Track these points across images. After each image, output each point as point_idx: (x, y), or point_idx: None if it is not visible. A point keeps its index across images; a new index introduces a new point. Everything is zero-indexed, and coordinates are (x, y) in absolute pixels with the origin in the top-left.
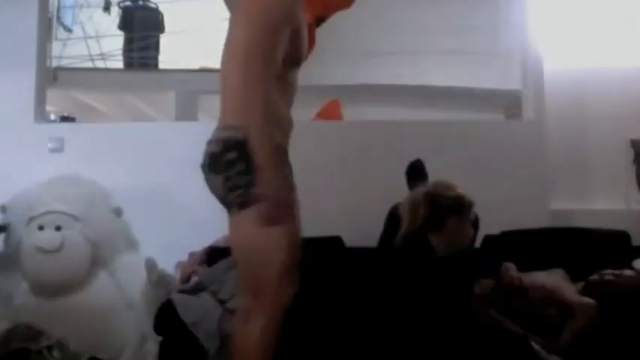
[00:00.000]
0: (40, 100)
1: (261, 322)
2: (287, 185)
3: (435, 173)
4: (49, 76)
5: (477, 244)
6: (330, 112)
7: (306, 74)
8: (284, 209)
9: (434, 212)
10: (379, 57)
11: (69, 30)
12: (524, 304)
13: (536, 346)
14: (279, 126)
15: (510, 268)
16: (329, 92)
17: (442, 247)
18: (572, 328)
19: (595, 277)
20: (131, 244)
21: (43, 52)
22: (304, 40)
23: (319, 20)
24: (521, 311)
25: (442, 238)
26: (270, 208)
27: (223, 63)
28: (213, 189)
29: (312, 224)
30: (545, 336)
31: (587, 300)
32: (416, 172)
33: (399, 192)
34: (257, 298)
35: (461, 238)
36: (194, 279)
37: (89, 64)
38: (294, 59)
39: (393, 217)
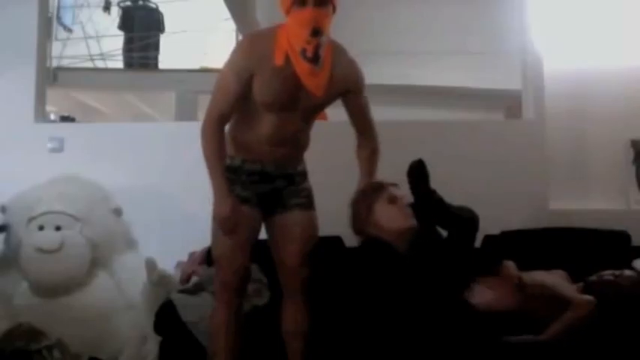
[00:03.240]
0: (40, 100)
1: (217, 306)
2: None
3: (435, 173)
4: (49, 76)
5: (477, 243)
6: None
7: None
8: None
9: (358, 210)
10: (380, 57)
11: (69, 30)
12: (525, 303)
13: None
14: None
15: (510, 266)
16: None
17: (388, 237)
18: (564, 320)
19: (595, 277)
20: (131, 244)
21: (43, 52)
22: (270, 86)
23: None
24: (520, 310)
25: (378, 229)
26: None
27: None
28: None
29: None
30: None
31: (586, 296)
32: (417, 172)
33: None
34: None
35: (393, 221)
36: (194, 279)
37: (89, 64)
38: (265, 102)
39: None
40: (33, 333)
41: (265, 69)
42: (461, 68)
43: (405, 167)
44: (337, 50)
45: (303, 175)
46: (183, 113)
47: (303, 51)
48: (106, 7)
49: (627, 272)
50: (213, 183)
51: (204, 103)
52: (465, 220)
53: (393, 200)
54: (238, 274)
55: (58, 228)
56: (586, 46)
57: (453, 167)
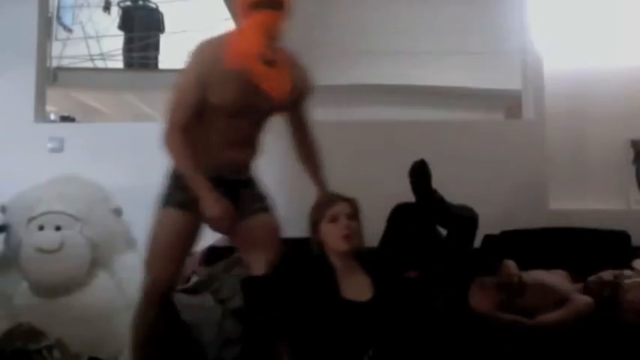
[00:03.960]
0: (40, 100)
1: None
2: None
3: (435, 173)
4: (49, 76)
5: (477, 243)
6: None
7: None
8: None
9: (309, 224)
10: (380, 57)
11: (69, 30)
12: (524, 302)
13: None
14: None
15: (510, 265)
16: (329, 92)
17: (331, 255)
18: (558, 314)
19: (595, 277)
20: (131, 244)
21: (43, 52)
22: (224, 90)
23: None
24: (520, 309)
25: (324, 246)
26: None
27: None
28: None
29: None
30: None
31: (585, 297)
32: (419, 172)
33: (400, 192)
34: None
35: (331, 241)
36: (194, 279)
37: (89, 64)
38: (220, 106)
39: (394, 218)
40: (33, 333)
41: (218, 74)
42: (461, 68)
43: (405, 167)
44: (290, 54)
45: (256, 180)
46: None
47: (261, 54)
48: (106, 7)
49: (627, 272)
50: (198, 188)
51: None
52: (464, 219)
53: (334, 219)
54: (168, 280)
55: (58, 228)
56: (586, 46)
57: (453, 167)
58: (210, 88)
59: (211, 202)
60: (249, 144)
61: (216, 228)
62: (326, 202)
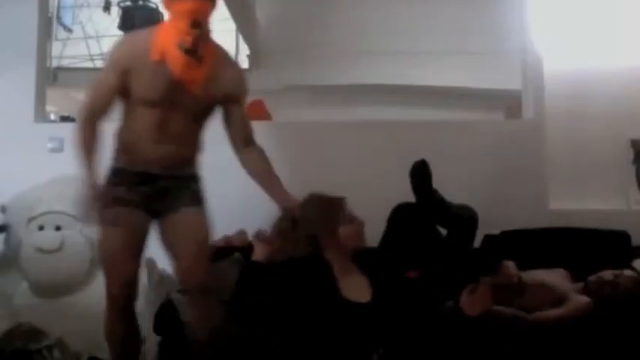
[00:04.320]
0: (40, 100)
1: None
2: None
3: (435, 173)
4: (49, 76)
5: (477, 243)
6: (254, 113)
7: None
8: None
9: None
10: (380, 57)
11: (69, 30)
12: (524, 302)
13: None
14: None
15: (510, 266)
16: (329, 92)
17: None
18: (557, 311)
19: (595, 277)
20: None
21: (43, 52)
22: (147, 82)
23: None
24: (520, 309)
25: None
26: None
27: None
28: None
29: None
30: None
31: (584, 297)
32: (420, 172)
33: (400, 192)
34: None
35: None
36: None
37: (89, 64)
38: (143, 98)
39: (395, 218)
40: (33, 333)
41: (142, 65)
42: (461, 68)
43: (406, 167)
44: (223, 54)
45: (194, 178)
46: None
47: (182, 42)
48: (106, 7)
49: (627, 272)
50: (81, 170)
51: None
52: (464, 219)
53: (351, 220)
54: (126, 281)
55: (58, 228)
56: (586, 46)
57: (453, 167)
58: (133, 79)
59: (87, 183)
60: (179, 139)
61: (91, 207)
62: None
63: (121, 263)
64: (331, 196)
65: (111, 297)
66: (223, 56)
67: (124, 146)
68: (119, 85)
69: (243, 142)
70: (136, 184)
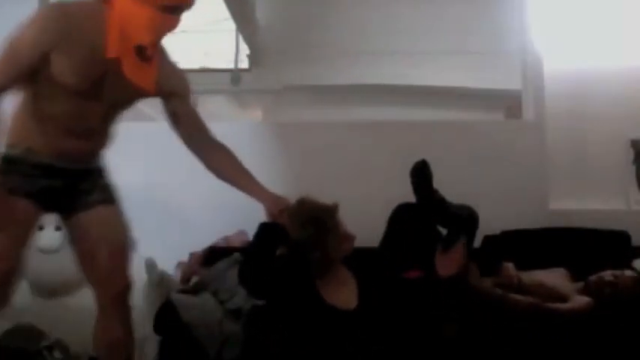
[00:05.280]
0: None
1: None
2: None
3: (435, 173)
4: None
5: (477, 243)
6: None
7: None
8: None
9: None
10: (379, 57)
11: None
12: None
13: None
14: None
15: (509, 267)
16: (329, 92)
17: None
18: (558, 305)
19: (595, 277)
20: (131, 244)
21: None
22: (78, 69)
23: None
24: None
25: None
26: None
27: None
28: None
29: None
30: None
31: (584, 298)
32: (421, 173)
33: (400, 192)
34: None
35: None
36: (194, 279)
37: None
38: (67, 84)
39: (395, 218)
40: (33, 333)
41: (78, 50)
42: (461, 68)
43: (405, 167)
44: (162, 50)
45: (102, 171)
46: None
47: (142, 48)
48: None
49: (627, 272)
50: None
51: (204, 103)
52: (464, 219)
53: (339, 225)
54: (6, 274)
55: (58, 228)
56: (586, 46)
57: (452, 167)
58: (58, 61)
59: None
60: (95, 134)
61: None
62: (330, 211)
63: (6, 255)
64: (322, 203)
65: None
66: (165, 52)
67: (28, 133)
68: (35, 65)
69: (200, 140)
70: (35, 176)
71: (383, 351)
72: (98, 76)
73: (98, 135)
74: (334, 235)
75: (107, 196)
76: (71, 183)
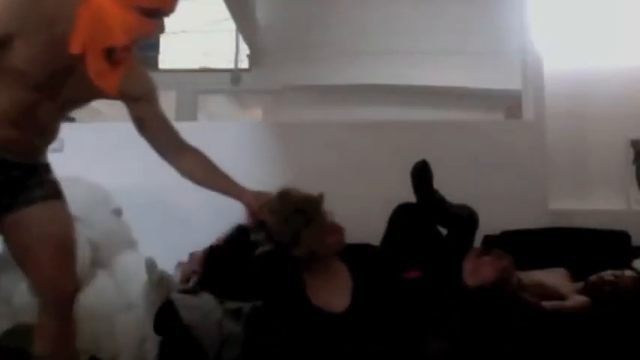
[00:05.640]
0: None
1: None
2: None
3: (435, 173)
4: None
5: (477, 243)
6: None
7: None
8: None
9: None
10: (379, 57)
11: None
12: None
13: None
14: None
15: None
16: (329, 92)
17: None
18: (561, 304)
19: (595, 277)
20: (131, 244)
21: None
22: (36, 59)
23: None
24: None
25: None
26: None
27: None
28: None
29: None
30: None
31: (583, 298)
32: (421, 173)
33: (401, 192)
34: None
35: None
36: (194, 279)
37: None
38: (23, 72)
39: (396, 218)
40: (33, 333)
41: (40, 38)
42: (460, 68)
43: (405, 167)
44: (134, 54)
45: (48, 167)
46: (184, 113)
47: (111, 51)
48: None
49: (627, 272)
50: None
51: (204, 103)
52: (464, 219)
53: (327, 219)
54: None
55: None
56: (586, 46)
57: (452, 167)
58: (15, 47)
59: None
60: (45, 129)
61: None
62: (315, 202)
63: None
64: (306, 194)
65: None
66: (134, 55)
67: None
68: None
69: (168, 143)
70: None
71: (370, 355)
72: (57, 71)
73: (47, 131)
74: (320, 228)
75: (51, 191)
76: (16, 179)
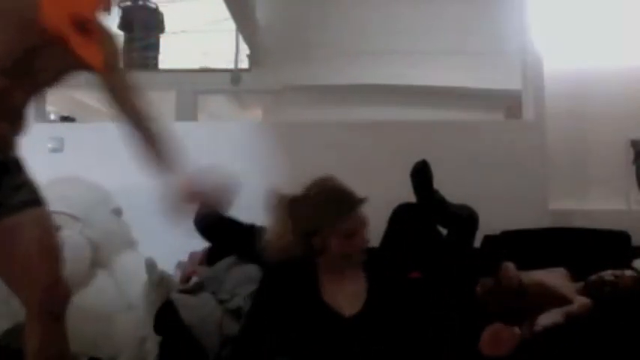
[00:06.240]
0: (40, 100)
1: None
2: None
3: (435, 173)
4: None
5: (477, 243)
6: None
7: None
8: None
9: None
10: (379, 57)
11: None
12: (524, 304)
13: None
14: None
15: (510, 267)
16: (329, 92)
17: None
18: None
19: (595, 277)
20: (131, 244)
21: None
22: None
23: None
24: (520, 311)
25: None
26: None
27: None
28: None
29: None
30: None
31: (583, 298)
32: (421, 173)
33: (401, 192)
34: None
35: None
36: (194, 279)
37: None
38: None
39: (396, 218)
40: None
41: (11, 16)
42: (460, 68)
43: (405, 167)
44: (101, 21)
45: (19, 163)
46: (183, 113)
47: (85, 22)
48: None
49: (627, 272)
50: None
51: (204, 103)
52: (464, 219)
53: (352, 233)
54: None
55: (58, 228)
56: (586, 46)
57: (452, 167)
58: None
59: None
60: (16, 116)
61: None
62: (339, 212)
63: None
64: (348, 189)
65: None
66: (101, 22)
67: None
68: None
69: (124, 102)
70: None
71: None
72: (26, 54)
73: (19, 118)
74: (345, 228)
75: (33, 196)
76: None
